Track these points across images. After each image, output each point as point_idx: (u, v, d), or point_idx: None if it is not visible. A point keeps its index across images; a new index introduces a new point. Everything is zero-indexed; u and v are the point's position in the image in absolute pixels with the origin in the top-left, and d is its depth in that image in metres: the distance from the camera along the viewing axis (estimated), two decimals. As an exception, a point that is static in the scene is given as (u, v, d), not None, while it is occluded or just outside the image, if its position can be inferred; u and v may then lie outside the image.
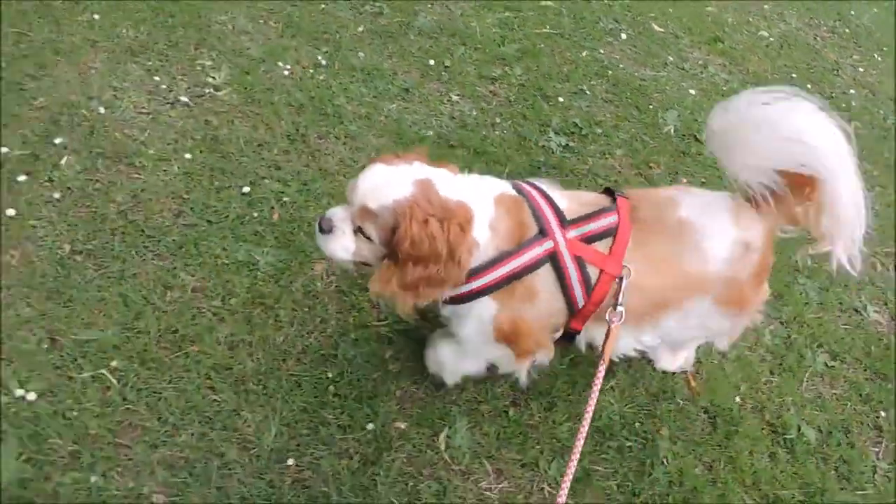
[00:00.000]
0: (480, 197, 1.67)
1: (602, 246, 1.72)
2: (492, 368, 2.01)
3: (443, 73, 3.25)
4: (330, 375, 2.11)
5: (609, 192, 1.83)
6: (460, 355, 1.97)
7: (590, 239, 1.72)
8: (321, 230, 1.68)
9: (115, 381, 1.97)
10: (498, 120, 3.10)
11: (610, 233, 1.72)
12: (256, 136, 2.74)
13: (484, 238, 1.65)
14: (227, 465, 1.90)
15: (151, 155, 2.56)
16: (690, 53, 3.91)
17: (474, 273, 1.66)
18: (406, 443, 2.03)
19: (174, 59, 2.93)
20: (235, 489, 1.86)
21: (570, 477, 1.52)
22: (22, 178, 2.37)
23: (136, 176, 2.48)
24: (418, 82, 3.16)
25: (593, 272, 1.72)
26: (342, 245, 1.68)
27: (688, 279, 1.76)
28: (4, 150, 2.43)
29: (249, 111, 2.82)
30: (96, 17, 2.99)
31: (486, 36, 3.53)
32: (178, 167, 2.54)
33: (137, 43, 2.94)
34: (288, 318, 2.21)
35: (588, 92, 3.40)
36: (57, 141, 2.50)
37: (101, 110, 2.65)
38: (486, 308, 1.73)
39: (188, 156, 2.58)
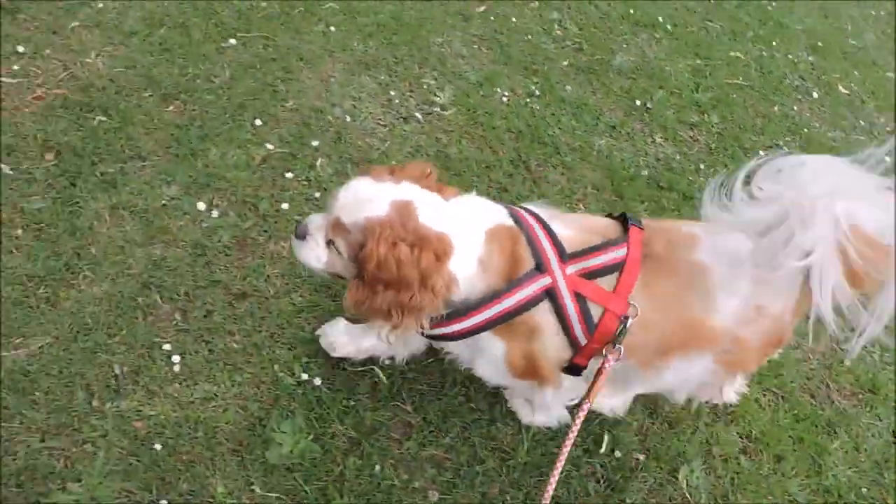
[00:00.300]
0: (469, 229, 1.58)
1: (607, 282, 1.61)
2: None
3: (644, 114, 3.34)
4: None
5: (623, 218, 1.71)
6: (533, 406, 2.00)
7: (593, 274, 1.61)
8: (296, 235, 1.64)
9: (384, 377, 2.10)
10: (702, 166, 3.17)
11: (616, 268, 1.61)
12: (483, 157, 2.87)
13: (469, 272, 1.56)
14: (488, 472, 2.00)
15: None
16: (877, 119, 3.90)
17: (466, 311, 1.59)
18: (647, 475, 2.09)
19: (402, 76, 3.10)
20: (497, 497, 1.96)
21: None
22: (288, 175, 2.56)
23: (382, 184, 2.64)
24: (622, 121, 3.26)
25: (597, 309, 1.62)
26: (315, 255, 1.62)
27: (693, 328, 1.64)
28: (269, 146, 2.63)
29: (474, 133, 2.97)
30: (331, 28, 3.20)
31: (680, 81, 3.61)
32: (418, 180, 2.69)
33: (368, 57, 3.13)
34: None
35: (783, 148, 3.44)
36: (313, 143, 2.69)
37: (347, 119, 2.83)
38: (494, 347, 1.68)
39: (426, 170, 2.73)
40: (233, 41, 2.97)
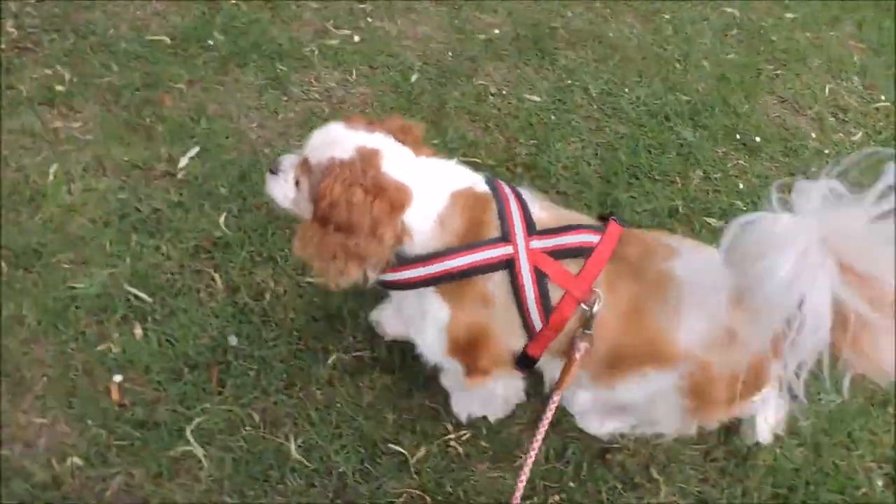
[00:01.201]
0: (434, 186, 1.57)
1: (573, 265, 1.54)
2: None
3: None
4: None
5: (605, 218, 1.64)
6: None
7: (558, 254, 1.54)
8: (270, 170, 1.67)
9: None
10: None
11: (583, 252, 1.54)
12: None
13: (426, 228, 1.54)
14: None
15: None
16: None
17: (414, 261, 1.56)
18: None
19: None
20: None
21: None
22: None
23: None
24: None
25: (557, 293, 1.54)
26: (283, 191, 1.65)
27: (650, 341, 1.54)
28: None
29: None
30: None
31: None
32: None
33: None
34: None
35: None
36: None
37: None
38: (439, 311, 1.60)
39: None
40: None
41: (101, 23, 2.87)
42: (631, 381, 1.63)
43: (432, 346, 1.69)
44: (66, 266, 2.13)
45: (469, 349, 1.64)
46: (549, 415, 1.56)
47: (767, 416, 1.95)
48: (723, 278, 1.40)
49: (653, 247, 1.59)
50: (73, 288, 2.08)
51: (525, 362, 1.66)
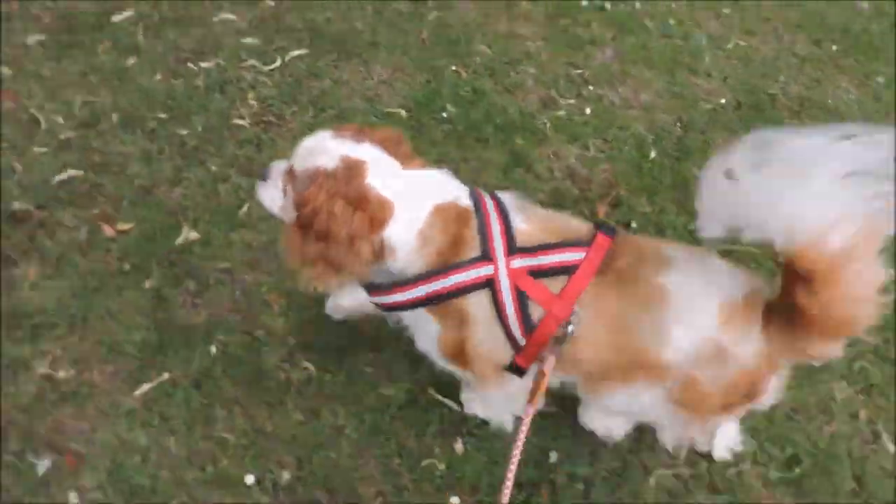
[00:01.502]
0: (418, 200, 1.56)
1: (557, 283, 1.53)
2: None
3: None
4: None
5: (599, 226, 1.61)
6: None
7: (542, 272, 1.53)
8: (260, 177, 1.70)
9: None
10: None
11: (568, 270, 1.53)
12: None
13: (408, 244, 1.55)
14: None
15: None
16: None
17: (404, 283, 1.57)
18: None
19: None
20: None
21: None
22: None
23: None
24: None
25: (539, 310, 1.54)
26: (271, 196, 1.67)
27: (637, 355, 1.54)
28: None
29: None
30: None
31: None
32: None
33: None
34: None
35: None
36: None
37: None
38: (429, 325, 1.64)
39: None
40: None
41: (333, 93, 2.84)
42: (620, 393, 1.64)
43: (429, 353, 1.74)
44: (369, 370, 2.11)
45: (461, 359, 1.68)
46: (524, 429, 1.54)
47: (727, 431, 1.95)
48: (715, 288, 1.47)
49: (646, 258, 1.56)
50: (382, 394, 2.06)
51: (517, 370, 1.67)
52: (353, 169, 1.53)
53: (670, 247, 1.63)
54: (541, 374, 1.57)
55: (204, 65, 2.86)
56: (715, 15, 3.41)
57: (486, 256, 1.53)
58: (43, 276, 2.22)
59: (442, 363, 1.76)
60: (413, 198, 1.56)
